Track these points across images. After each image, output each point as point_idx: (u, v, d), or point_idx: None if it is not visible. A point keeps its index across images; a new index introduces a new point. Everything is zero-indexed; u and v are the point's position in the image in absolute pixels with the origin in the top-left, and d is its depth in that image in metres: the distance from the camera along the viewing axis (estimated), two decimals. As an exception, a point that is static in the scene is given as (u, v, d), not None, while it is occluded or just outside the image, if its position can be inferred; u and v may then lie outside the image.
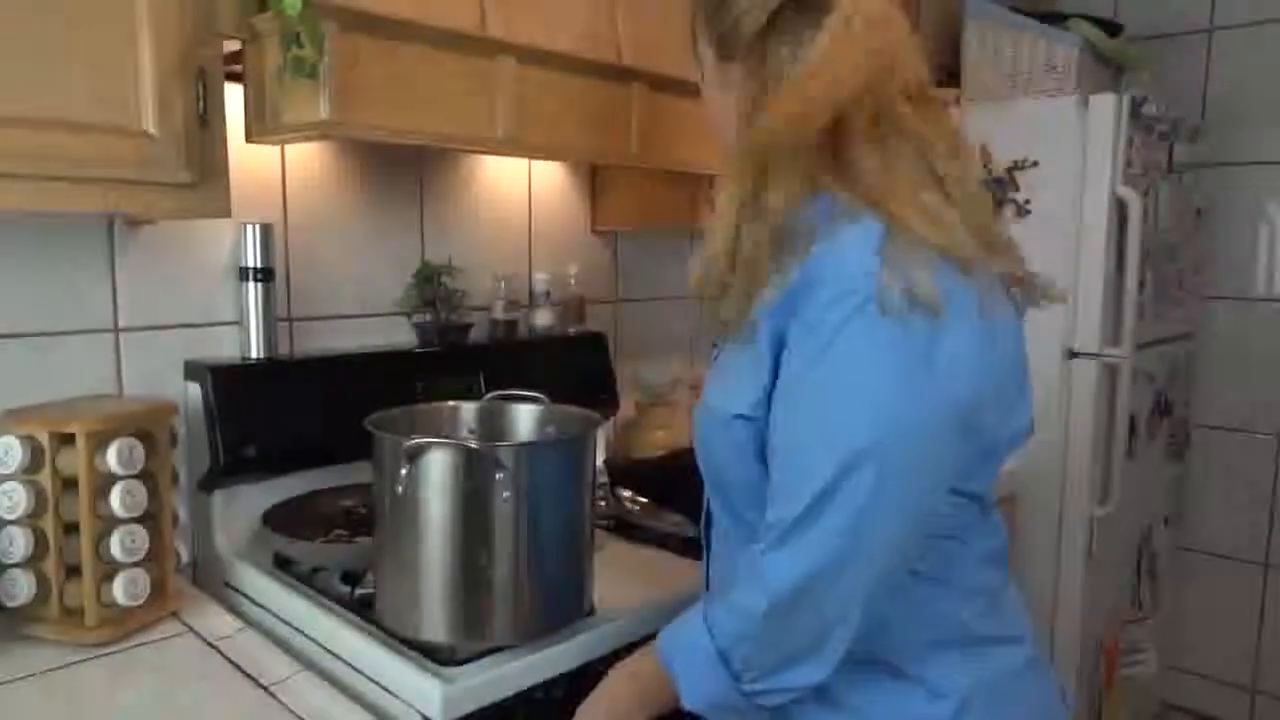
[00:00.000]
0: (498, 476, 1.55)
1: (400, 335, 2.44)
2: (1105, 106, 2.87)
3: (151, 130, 1.65)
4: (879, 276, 1.21)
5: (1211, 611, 3.82)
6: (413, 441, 1.54)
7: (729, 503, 1.50)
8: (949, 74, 3.26)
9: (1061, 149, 2.93)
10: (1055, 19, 3.23)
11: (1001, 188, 2.99)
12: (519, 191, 2.74)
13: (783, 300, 1.30)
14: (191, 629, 1.79)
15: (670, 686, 1.40)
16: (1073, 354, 2.94)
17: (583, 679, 1.70)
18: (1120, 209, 2.89)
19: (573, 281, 2.81)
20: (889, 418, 1.21)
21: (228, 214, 1.79)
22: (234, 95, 1.88)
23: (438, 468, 1.55)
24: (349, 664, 1.71)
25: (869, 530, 1.23)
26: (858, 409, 1.22)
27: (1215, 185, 3.65)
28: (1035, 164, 2.96)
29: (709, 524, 1.61)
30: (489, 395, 1.77)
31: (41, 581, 1.68)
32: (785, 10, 1.33)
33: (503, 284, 2.61)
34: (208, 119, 1.73)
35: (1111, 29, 3.27)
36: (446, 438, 1.57)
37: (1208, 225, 3.65)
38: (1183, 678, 3.86)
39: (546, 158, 2.65)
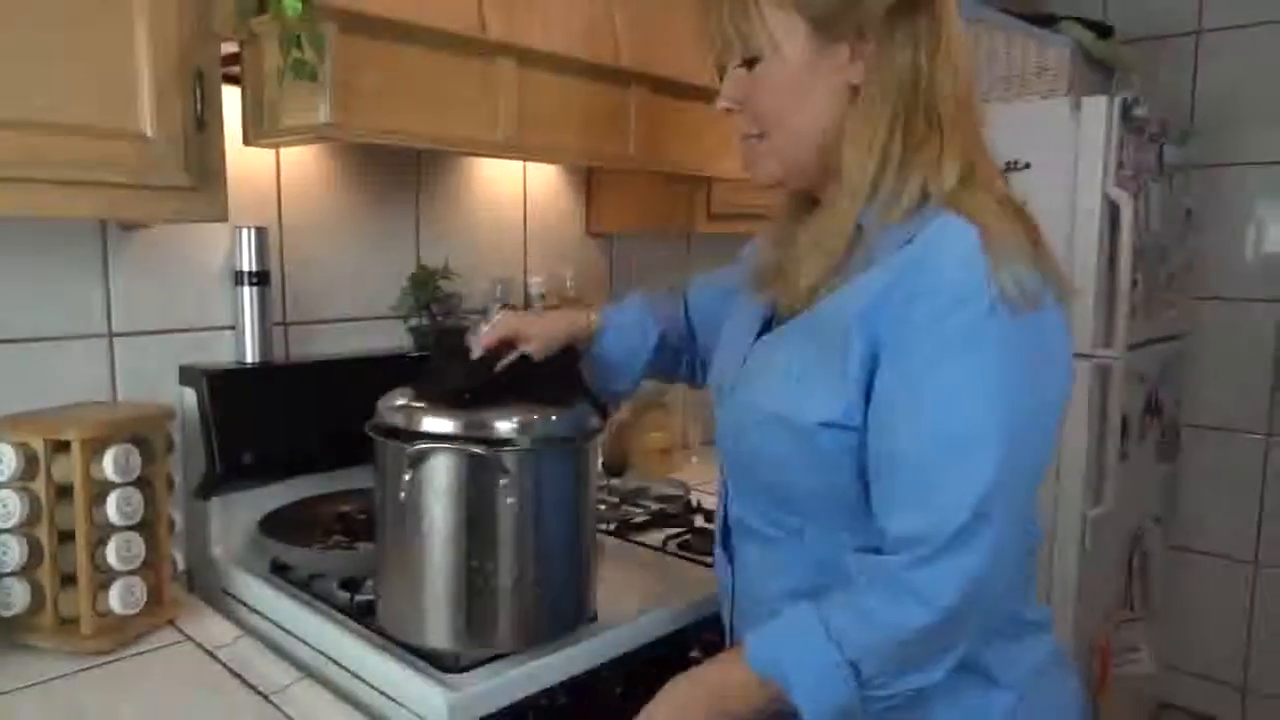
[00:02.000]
0: (502, 481, 1.52)
1: (396, 339, 2.41)
2: (1097, 108, 2.85)
3: (149, 133, 1.62)
4: (995, 278, 1.20)
5: (1203, 610, 3.81)
6: (416, 447, 1.52)
7: (785, 511, 1.45)
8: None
9: (1054, 151, 2.90)
10: (1046, 21, 3.21)
11: (995, 189, 2.96)
12: (514, 194, 2.71)
13: (876, 302, 1.29)
14: (189, 637, 1.75)
15: (757, 693, 1.35)
16: (1066, 355, 2.91)
17: (586, 686, 1.70)
18: (1112, 210, 2.87)
19: (568, 284, 2.77)
20: (1025, 415, 1.22)
21: (225, 218, 1.75)
22: (231, 98, 1.84)
23: (441, 472, 1.53)
24: (350, 671, 1.67)
25: (1016, 532, 1.26)
26: (999, 410, 1.21)
27: (1204, 187, 3.64)
28: (1028, 166, 2.93)
29: (728, 533, 1.58)
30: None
31: (36, 590, 1.64)
32: (902, 6, 1.33)
33: (498, 287, 2.58)
34: (205, 122, 1.69)
35: (1102, 31, 3.25)
36: (450, 443, 1.52)
37: (1197, 226, 3.63)
38: (1175, 676, 3.85)
39: (546, 160, 2.60)
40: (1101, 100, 2.85)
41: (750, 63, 1.40)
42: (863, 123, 1.35)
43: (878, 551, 1.29)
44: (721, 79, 1.47)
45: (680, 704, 1.42)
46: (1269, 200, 3.60)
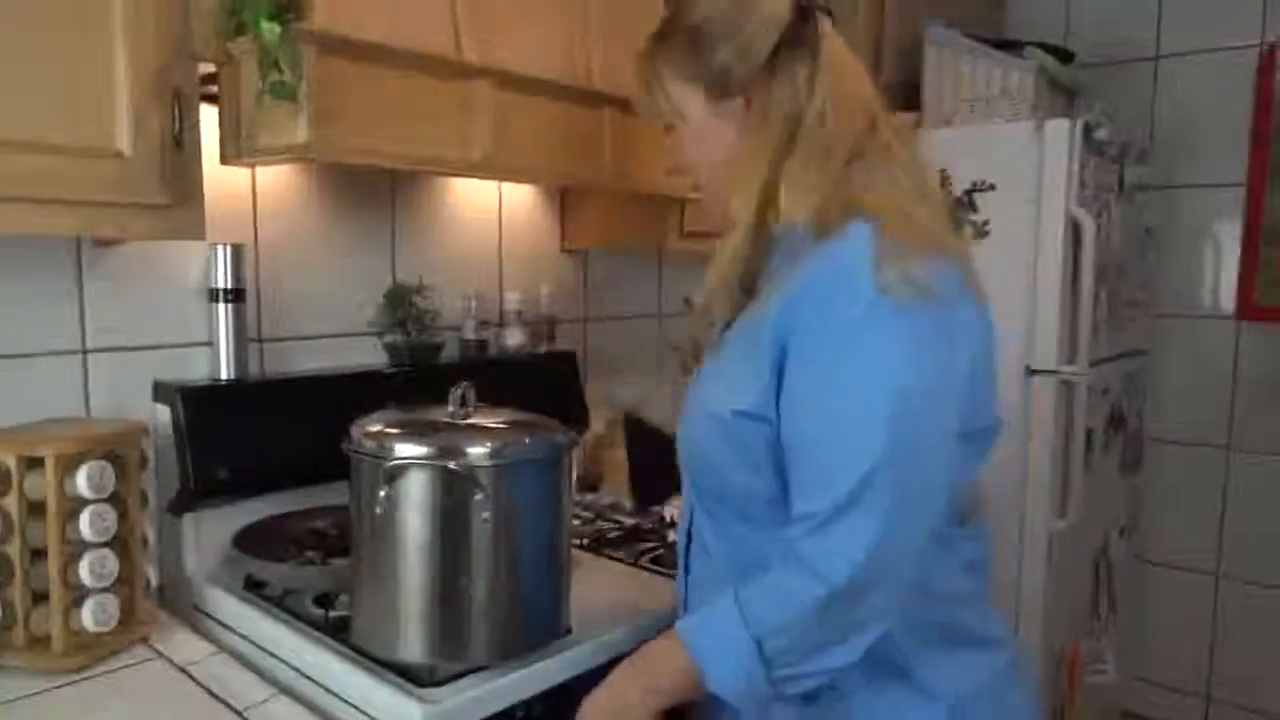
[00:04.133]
0: (477, 497, 1.50)
1: (371, 355, 2.38)
2: (1059, 131, 2.85)
3: (126, 151, 1.60)
4: (879, 272, 1.29)
5: (1167, 620, 3.81)
6: (392, 462, 1.50)
7: (721, 513, 1.51)
8: (909, 99, 3.23)
9: (1018, 172, 2.90)
10: (1011, 46, 3.21)
11: (961, 209, 2.96)
12: (489, 211, 2.69)
13: (785, 307, 1.36)
14: (162, 654, 1.72)
15: (684, 677, 1.39)
16: (1031, 371, 2.91)
17: (561, 698, 1.67)
18: (1075, 229, 2.87)
19: (543, 301, 2.75)
20: (914, 398, 1.28)
21: (202, 236, 1.74)
22: (208, 117, 1.83)
23: (417, 488, 1.51)
24: (324, 687, 1.65)
25: (911, 509, 1.30)
26: (884, 394, 1.27)
27: (1163, 206, 3.66)
28: (993, 186, 2.93)
29: (689, 543, 1.62)
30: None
31: (7, 608, 1.61)
32: (780, 52, 1.45)
33: (473, 303, 2.57)
34: (183, 140, 1.68)
35: (1064, 56, 3.27)
36: (425, 459, 1.51)
37: (1157, 244, 3.65)
38: (1141, 686, 3.85)
39: (521, 180, 2.60)
40: (1064, 123, 2.85)
41: (668, 129, 1.59)
42: (747, 161, 1.48)
43: None
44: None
45: (620, 688, 1.47)
46: (1225, 220, 3.61)
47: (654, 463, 1.79)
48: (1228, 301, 3.63)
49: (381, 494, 1.51)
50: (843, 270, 1.33)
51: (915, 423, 1.29)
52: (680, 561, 1.66)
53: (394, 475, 1.51)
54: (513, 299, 2.67)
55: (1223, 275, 3.64)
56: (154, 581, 1.85)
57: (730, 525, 1.50)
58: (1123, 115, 3.52)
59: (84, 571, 1.63)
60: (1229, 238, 3.61)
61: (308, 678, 1.67)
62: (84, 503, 1.63)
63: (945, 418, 1.34)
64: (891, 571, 1.30)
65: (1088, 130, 2.88)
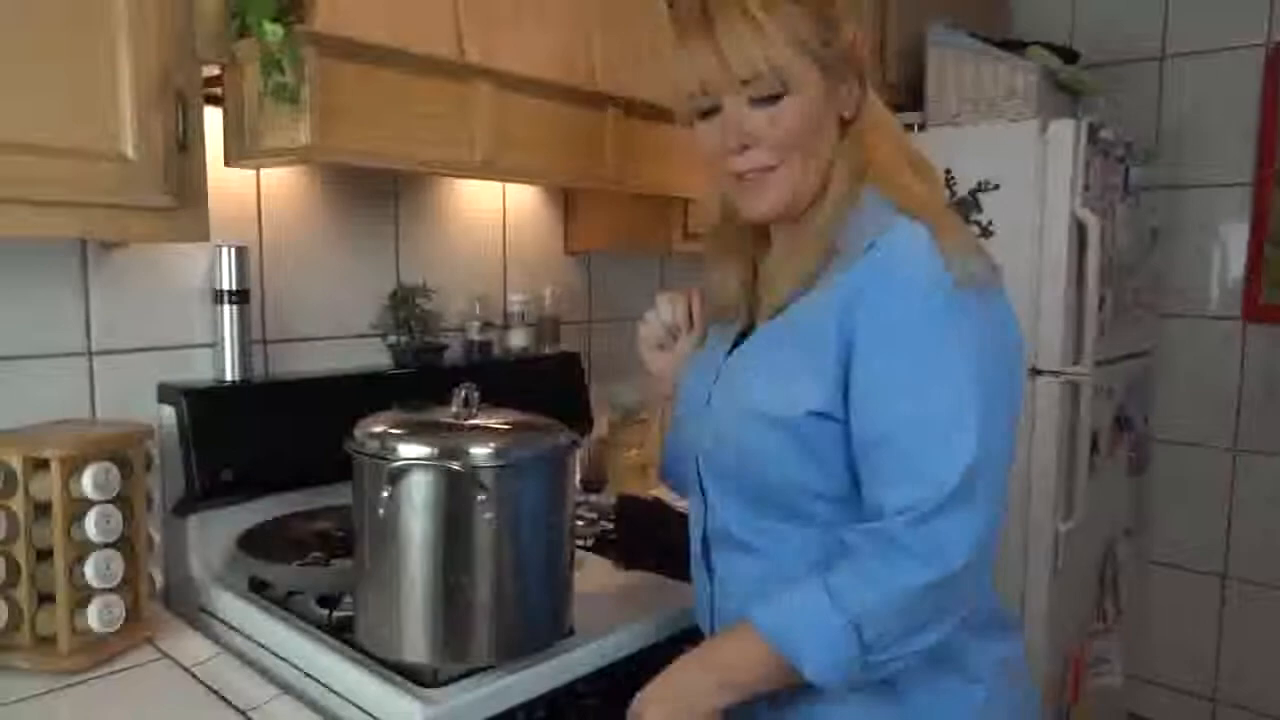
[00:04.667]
0: (479, 497, 1.51)
1: (375, 357, 2.40)
2: (1064, 131, 2.86)
3: (130, 154, 1.61)
4: (950, 266, 1.33)
5: (1172, 622, 3.81)
6: (395, 463, 1.51)
7: (761, 511, 1.48)
8: (914, 99, 3.24)
9: (1022, 172, 2.91)
10: (1014, 46, 3.22)
11: (965, 209, 2.97)
12: (493, 213, 2.70)
13: (850, 303, 1.38)
14: (167, 655, 1.73)
15: (767, 669, 1.38)
16: (1037, 372, 2.92)
17: (564, 699, 1.69)
18: (1079, 230, 2.88)
19: (547, 302, 2.76)
20: (994, 384, 1.33)
21: (206, 238, 1.75)
22: (212, 119, 1.84)
23: (420, 489, 1.52)
24: (328, 687, 1.66)
25: (1000, 496, 1.36)
26: (975, 384, 1.31)
27: (1169, 206, 3.66)
28: (997, 187, 2.94)
29: (707, 547, 1.60)
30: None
31: (13, 609, 1.62)
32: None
33: (477, 305, 2.57)
34: (187, 143, 1.69)
35: (1068, 56, 3.27)
36: (428, 459, 1.52)
37: (1163, 245, 3.64)
38: (1146, 688, 3.85)
39: (523, 181, 2.60)
40: (1069, 123, 2.86)
41: (775, 98, 1.43)
42: (851, 152, 1.48)
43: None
44: (706, 115, 1.49)
45: (683, 683, 1.44)
46: (1231, 220, 3.61)
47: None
48: (1234, 302, 3.62)
49: (384, 495, 1.51)
50: (914, 269, 1.36)
51: (999, 411, 1.35)
52: (698, 564, 1.63)
53: (397, 476, 1.51)
54: (516, 301, 2.68)
55: (1229, 275, 3.64)
56: (159, 582, 1.86)
57: (770, 523, 1.49)
58: (1128, 115, 3.52)
59: (89, 572, 1.64)
60: (1235, 238, 3.60)
61: (311, 678, 1.68)
62: (89, 504, 1.64)
63: (1016, 404, 1.42)
64: (987, 556, 1.35)
65: (1092, 130, 2.89)
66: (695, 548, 1.64)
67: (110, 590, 1.67)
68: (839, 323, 1.38)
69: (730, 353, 1.56)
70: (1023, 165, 2.91)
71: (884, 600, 1.32)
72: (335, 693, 1.63)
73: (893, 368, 1.35)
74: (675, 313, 1.73)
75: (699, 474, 1.57)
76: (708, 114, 1.49)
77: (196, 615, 1.96)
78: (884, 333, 1.35)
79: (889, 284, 1.37)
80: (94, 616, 1.65)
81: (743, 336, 1.58)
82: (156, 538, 1.83)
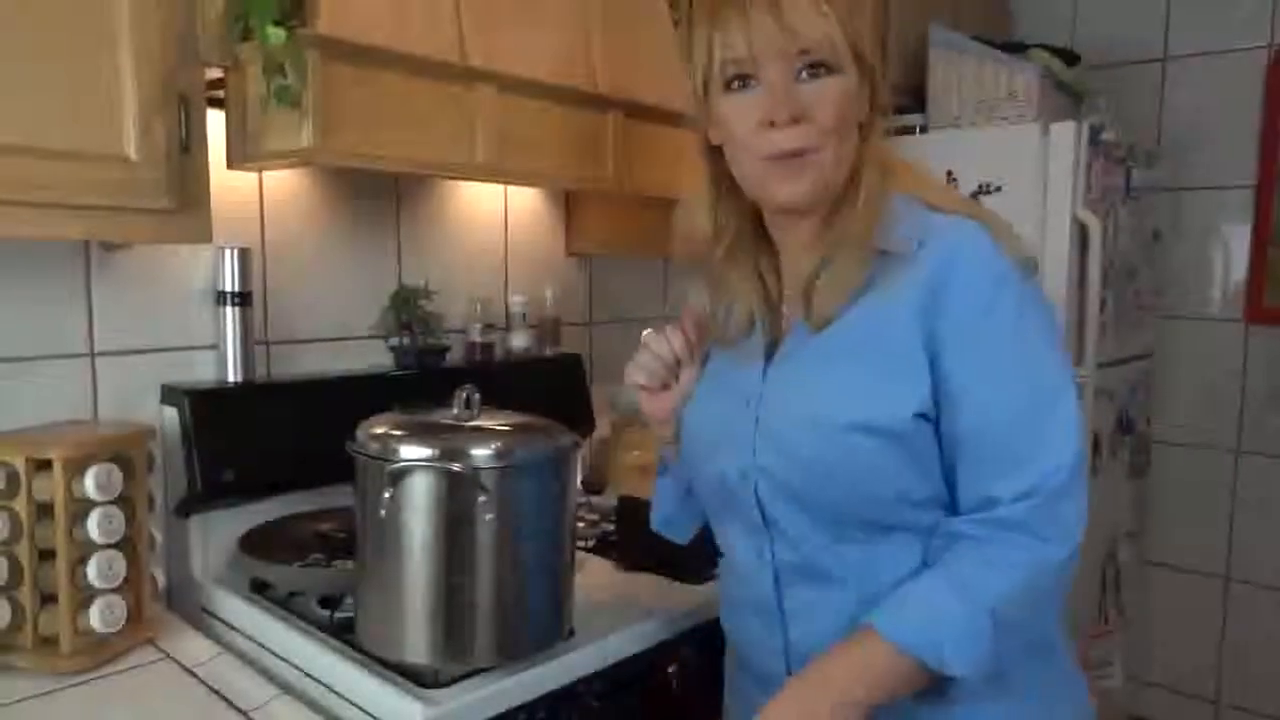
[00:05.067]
0: (480, 499, 1.51)
1: (377, 358, 2.40)
2: (1065, 133, 2.86)
3: (133, 156, 1.61)
4: (1012, 259, 1.35)
5: (1175, 624, 3.80)
6: (396, 465, 1.51)
7: (837, 532, 1.41)
8: (915, 101, 3.24)
9: (1024, 174, 2.91)
10: (1016, 49, 3.22)
11: (967, 211, 2.97)
12: (495, 215, 2.71)
13: (925, 302, 1.36)
14: (169, 655, 1.73)
15: (904, 675, 1.33)
16: (1038, 374, 2.91)
17: (564, 701, 1.69)
18: (1081, 232, 2.88)
19: (548, 304, 2.77)
20: (1067, 364, 1.39)
21: (209, 240, 1.76)
22: (215, 121, 1.84)
23: (421, 490, 1.52)
24: (329, 687, 1.66)
25: None
26: (1058, 360, 1.36)
27: (1171, 208, 3.66)
28: (999, 189, 2.94)
29: (778, 588, 1.49)
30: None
31: (16, 609, 1.63)
32: None
33: (479, 307, 2.58)
34: (190, 145, 1.69)
35: (1069, 58, 3.27)
36: (429, 461, 1.52)
37: (1165, 247, 3.65)
38: (1148, 690, 3.85)
39: (524, 183, 2.60)
40: (1070, 125, 2.86)
41: (826, 72, 1.39)
42: (876, 151, 1.45)
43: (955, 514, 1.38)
44: (741, 89, 1.43)
45: (803, 706, 1.36)
46: (1233, 222, 3.61)
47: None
48: (1236, 304, 3.63)
49: (386, 496, 1.51)
50: (982, 260, 1.35)
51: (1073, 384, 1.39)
52: (762, 609, 1.50)
53: (398, 477, 1.51)
54: (518, 302, 2.68)
55: (1231, 277, 3.64)
56: (161, 583, 1.87)
57: (855, 545, 1.42)
58: (1130, 117, 3.53)
59: (92, 573, 1.64)
60: (1237, 240, 3.61)
61: (312, 678, 1.69)
62: (92, 505, 1.64)
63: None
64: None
65: (1094, 133, 2.90)
66: (757, 590, 1.51)
67: (112, 591, 1.67)
68: (919, 323, 1.36)
69: (766, 370, 1.49)
70: (1024, 167, 2.91)
71: (1015, 585, 1.32)
72: (336, 693, 1.64)
73: (986, 360, 1.35)
74: (675, 346, 1.59)
75: (759, 505, 1.45)
76: (742, 87, 1.43)
77: (198, 616, 1.96)
78: (970, 327, 1.35)
79: (963, 280, 1.36)
80: (96, 617, 1.65)
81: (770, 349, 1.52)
82: (158, 538, 1.84)
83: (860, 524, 1.40)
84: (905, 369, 1.36)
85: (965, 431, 1.35)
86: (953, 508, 1.40)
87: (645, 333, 1.60)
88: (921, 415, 1.35)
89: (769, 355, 1.51)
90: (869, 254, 1.41)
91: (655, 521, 1.76)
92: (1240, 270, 3.60)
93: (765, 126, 1.41)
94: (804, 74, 1.39)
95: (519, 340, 2.68)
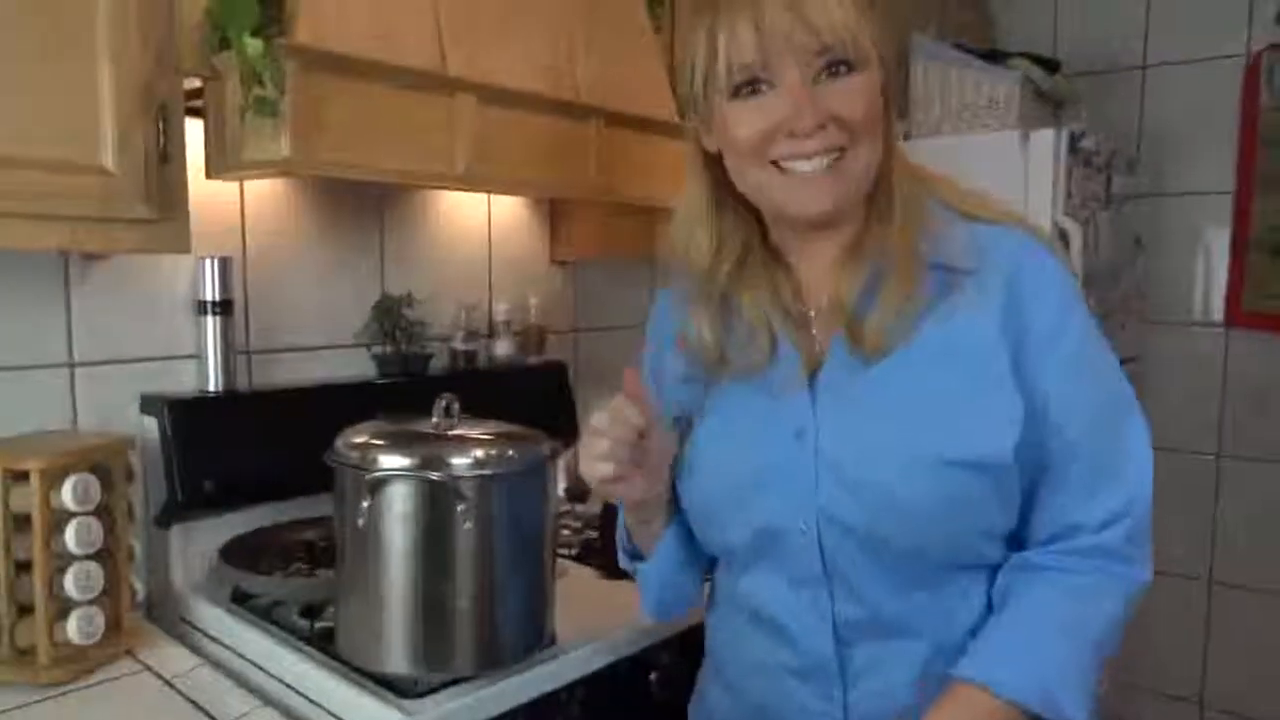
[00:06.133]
0: (459, 508, 1.50)
1: (361, 367, 2.38)
2: (1045, 141, 2.86)
3: (111, 167, 1.60)
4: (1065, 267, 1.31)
5: (1159, 627, 3.79)
6: (374, 474, 1.50)
7: (915, 577, 1.29)
8: (897, 109, 3.24)
9: (1004, 182, 2.89)
10: (998, 57, 3.22)
11: (948, 218, 2.97)
12: (479, 223, 2.69)
13: (1004, 318, 1.25)
14: (148, 667, 1.71)
15: None
16: (1020, 380, 2.91)
17: (545, 709, 1.68)
18: (1062, 238, 2.87)
19: (533, 311, 2.75)
20: None
21: (188, 250, 1.75)
22: (194, 131, 1.83)
23: (399, 500, 1.51)
24: (309, 698, 1.65)
25: None
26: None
27: (1152, 214, 3.65)
28: (980, 196, 2.94)
29: (840, 648, 1.33)
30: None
31: (-8, 621, 1.61)
32: None
33: (463, 314, 2.56)
34: (168, 155, 1.68)
35: (1050, 66, 3.27)
36: (407, 470, 1.51)
37: (1147, 252, 3.64)
38: (1133, 693, 3.84)
39: (506, 193, 2.59)
40: (1049, 133, 2.86)
41: (849, 70, 1.25)
42: (901, 152, 1.35)
43: (1022, 545, 1.29)
44: (749, 96, 1.27)
45: None
46: (1213, 227, 3.61)
47: None
48: (1217, 309, 3.63)
49: (364, 505, 1.50)
50: (1049, 273, 1.27)
51: None
52: (831, 667, 1.33)
53: (376, 486, 1.50)
54: (502, 310, 2.67)
55: (1212, 282, 3.63)
56: (140, 594, 1.84)
57: (928, 590, 1.29)
58: (1109, 125, 3.52)
59: (69, 584, 1.62)
60: (1217, 245, 3.60)
61: (293, 689, 1.67)
62: (70, 515, 1.62)
63: None
64: None
65: (1073, 140, 2.89)
66: (808, 652, 1.34)
67: (90, 602, 1.65)
68: (1004, 343, 1.25)
69: (814, 399, 1.31)
70: (1004, 175, 2.90)
71: (1116, 616, 1.26)
72: (316, 704, 1.62)
73: (1071, 378, 1.26)
74: (633, 419, 1.29)
75: (821, 554, 1.29)
76: (752, 93, 1.28)
77: (178, 626, 1.95)
78: (1051, 345, 1.25)
79: (1037, 295, 1.26)
80: (73, 628, 1.63)
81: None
82: (137, 549, 1.81)
83: (935, 566, 1.28)
84: (1000, 394, 1.24)
85: (1053, 454, 1.25)
86: (1022, 536, 1.30)
87: (592, 418, 1.31)
88: (1022, 443, 1.24)
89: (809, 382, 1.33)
90: (922, 270, 1.28)
91: (649, 609, 1.54)
92: (1220, 275, 3.60)
93: (784, 135, 1.26)
94: (824, 74, 1.25)
95: (503, 348, 2.66)
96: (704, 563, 1.50)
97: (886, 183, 1.32)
